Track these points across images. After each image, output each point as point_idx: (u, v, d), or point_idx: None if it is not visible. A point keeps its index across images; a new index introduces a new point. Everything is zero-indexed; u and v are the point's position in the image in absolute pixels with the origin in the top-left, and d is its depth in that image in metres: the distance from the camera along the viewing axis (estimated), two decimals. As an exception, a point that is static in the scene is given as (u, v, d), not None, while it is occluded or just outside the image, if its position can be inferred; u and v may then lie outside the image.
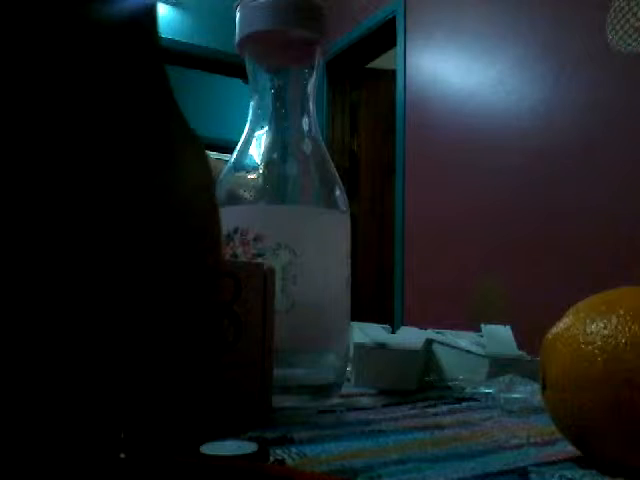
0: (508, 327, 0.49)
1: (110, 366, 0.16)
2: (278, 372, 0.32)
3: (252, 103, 0.40)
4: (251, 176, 0.38)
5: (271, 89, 0.40)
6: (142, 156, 0.15)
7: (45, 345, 0.14)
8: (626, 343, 0.22)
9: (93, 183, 0.14)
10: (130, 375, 0.16)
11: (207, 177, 0.18)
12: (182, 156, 0.17)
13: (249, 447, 0.22)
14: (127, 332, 0.16)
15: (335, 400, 0.37)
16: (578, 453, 0.25)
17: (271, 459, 0.23)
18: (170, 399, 0.18)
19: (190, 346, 0.18)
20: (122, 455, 0.17)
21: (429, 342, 0.47)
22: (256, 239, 0.36)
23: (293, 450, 0.25)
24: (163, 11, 3.49)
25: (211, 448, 0.21)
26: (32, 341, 0.14)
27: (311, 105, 0.41)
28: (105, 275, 0.15)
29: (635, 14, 1.71)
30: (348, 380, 0.41)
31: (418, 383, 0.42)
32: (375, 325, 0.52)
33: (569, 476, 0.22)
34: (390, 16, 2.85)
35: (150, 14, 0.15)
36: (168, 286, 0.16)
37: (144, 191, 0.15)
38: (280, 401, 0.34)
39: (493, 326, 0.49)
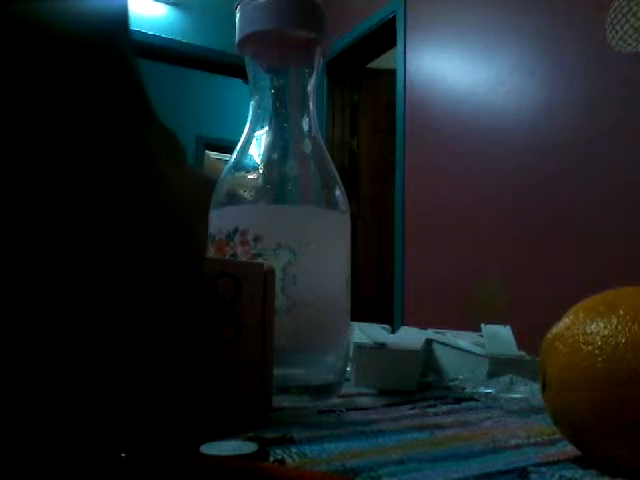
0: (508, 327, 0.49)
1: (110, 366, 0.16)
2: (278, 372, 0.32)
3: (252, 103, 0.40)
4: (251, 176, 0.38)
5: (271, 89, 0.40)
6: (116, 164, 0.15)
7: (46, 348, 0.14)
8: (626, 343, 0.22)
9: (73, 191, 0.13)
10: (130, 375, 0.16)
11: (185, 181, 0.18)
12: (159, 163, 0.17)
13: (249, 447, 0.22)
14: (126, 333, 0.16)
15: (335, 400, 0.37)
16: (578, 453, 0.25)
17: (271, 459, 0.23)
18: (170, 399, 0.18)
19: (187, 345, 0.18)
20: (123, 454, 0.17)
21: (429, 342, 0.47)
22: (256, 239, 0.36)
23: (293, 450, 0.25)
24: (163, 11, 3.49)
25: (211, 448, 0.21)
26: (33, 344, 0.14)
27: (311, 105, 0.41)
28: (100, 279, 0.15)
29: (635, 14, 1.71)
30: (348, 380, 0.41)
31: (418, 383, 0.42)
32: (375, 325, 0.52)
33: (569, 476, 0.22)
34: (390, 16, 2.85)
35: (121, 19, 0.15)
36: (161, 287, 0.17)
37: (120, 196, 0.15)
38: (280, 401, 0.34)
39: (493, 326, 0.49)
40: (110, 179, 0.14)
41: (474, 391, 0.40)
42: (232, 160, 0.40)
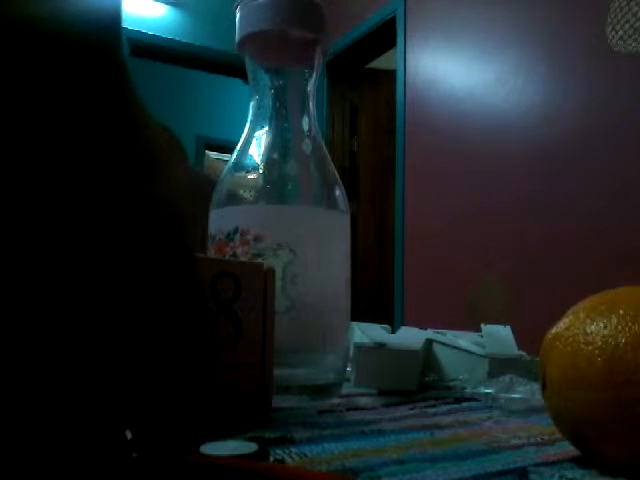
0: (508, 327, 0.49)
1: (111, 366, 0.16)
2: (278, 372, 0.32)
3: (252, 103, 0.40)
4: (251, 176, 0.38)
5: (271, 89, 0.40)
6: (111, 162, 0.14)
7: (45, 349, 0.14)
8: (626, 343, 0.22)
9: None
10: (131, 376, 0.16)
11: (185, 180, 0.18)
12: (158, 161, 0.16)
13: (249, 447, 0.22)
14: (123, 331, 0.16)
15: (335, 400, 0.37)
16: (578, 453, 0.25)
17: (271, 459, 0.23)
18: (170, 399, 0.18)
19: (186, 343, 0.18)
20: (134, 454, 0.17)
21: (429, 342, 0.47)
22: (256, 239, 0.36)
23: (293, 450, 0.25)
24: (163, 11, 3.49)
25: (211, 448, 0.21)
26: (38, 348, 0.14)
27: (311, 105, 0.41)
28: (95, 276, 0.15)
29: (635, 14, 1.71)
30: (348, 380, 0.41)
31: (418, 383, 0.42)
32: (375, 325, 0.52)
33: (569, 476, 0.22)
34: (390, 16, 2.85)
35: (112, 19, 0.15)
36: (156, 284, 0.17)
37: (116, 194, 0.15)
38: (280, 401, 0.34)
39: (493, 326, 0.49)
40: (104, 177, 0.14)
41: (474, 391, 0.40)
42: (232, 160, 0.40)
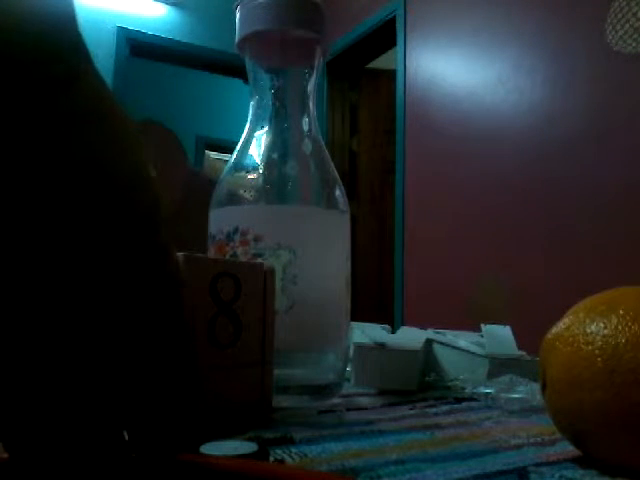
0: (508, 327, 0.49)
1: (109, 367, 0.16)
2: (278, 372, 0.32)
3: (252, 103, 0.40)
4: (251, 176, 0.38)
5: (271, 89, 0.40)
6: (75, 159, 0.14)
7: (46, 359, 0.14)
8: (626, 343, 0.22)
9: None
10: (130, 376, 0.16)
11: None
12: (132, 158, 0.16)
13: (249, 447, 0.22)
14: (122, 337, 0.16)
15: (335, 400, 0.37)
16: (578, 453, 0.25)
17: (271, 459, 0.23)
18: (169, 399, 0.18)
19: (182, 347, 0.18)
20: (133, 455, 0.17)
21: (429, 342, 0.47)
22: (256, 239, 0.36)
23: (293, 450, 0.25)
24: (163, 11, 3.49)
25: (211, 448, 0.21)
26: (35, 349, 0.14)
27: (311, 105, 0.41)
28: (95, 281, 0.15)
29: (635, 14, 1.71)
30: (348, 380, 0.41)
31: (418, 383, 0.42)
32: (375, 325, 0.52)
33: (569, 476, 0.22)
34: (390, 16, 2.85)
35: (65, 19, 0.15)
36: (158, 286, 0.17)
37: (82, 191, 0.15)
38: (280, 401, 0.34)
39: (493, 326, 0.49)
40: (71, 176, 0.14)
41: (474, 391, 0.40)
42: (232, 160, 0.40)
